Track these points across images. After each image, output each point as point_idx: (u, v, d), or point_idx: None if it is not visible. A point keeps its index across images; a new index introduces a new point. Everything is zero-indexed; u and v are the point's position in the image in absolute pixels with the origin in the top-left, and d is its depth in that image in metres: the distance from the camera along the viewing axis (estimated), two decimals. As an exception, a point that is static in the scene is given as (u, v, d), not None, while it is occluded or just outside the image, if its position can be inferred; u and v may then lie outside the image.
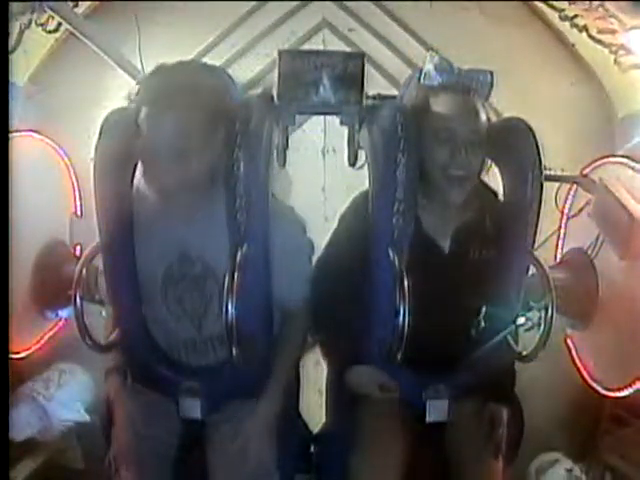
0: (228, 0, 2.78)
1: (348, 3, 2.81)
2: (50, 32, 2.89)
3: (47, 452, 2.62)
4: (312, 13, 2.79)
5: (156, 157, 1.54)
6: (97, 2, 2.78)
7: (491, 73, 1.71)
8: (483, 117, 1.67)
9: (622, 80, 2.77)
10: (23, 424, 2.43)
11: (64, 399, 2.67)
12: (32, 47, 2.84)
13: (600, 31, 2.76)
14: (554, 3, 2.80)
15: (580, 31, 2.81)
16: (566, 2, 2.78)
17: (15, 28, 2.76)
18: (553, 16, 2.83)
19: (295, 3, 2.79)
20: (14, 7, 2.60)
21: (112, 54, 2.45)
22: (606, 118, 2.78)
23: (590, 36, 2.79)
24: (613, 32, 2.72)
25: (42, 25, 2.86)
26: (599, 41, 2.78)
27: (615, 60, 2.75)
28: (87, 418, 2.71)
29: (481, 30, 2.39)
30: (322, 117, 2.75)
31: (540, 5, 2.82)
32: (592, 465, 2.69)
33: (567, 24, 2.83)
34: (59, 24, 2.86)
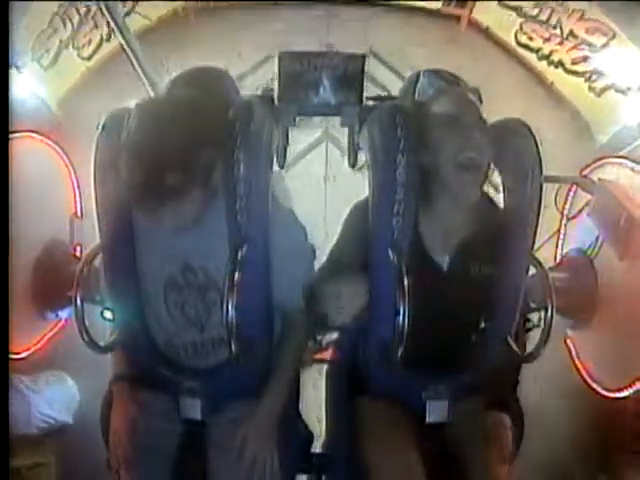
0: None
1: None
2: (83, 59, 2.99)
3: (21, 462, 2.59)
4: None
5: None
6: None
7: (477, 89, 1.73)
8: (483, 115, 1.67)
9: (598, 104, 2.91)
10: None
11: (48, 397, 2.68)
12: (65, 69, 2.93)
13: (574, 61, 2.94)
14: (531, 44, 2.97)
15: (556, 67, 2.99)
16: (541, 41, 2.96)
17: (54, 45, 2.85)
18: (531, 57, 3.00)
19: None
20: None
21: (147, 72, 2.45)
22: (588, 145, 2.86)
23: (565, 69, 2.97)
24: (585, 59, 2.90)
25: (78, 49, 2.96)
26: (574, 72, 2.95)
27: (590, 87, 2.91)
28: (69, 420, 2.71)
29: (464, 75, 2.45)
30: (324, 147, 2.92)
31: (519, 50, 3.00)
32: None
33: (544, 63, 3.01)
34: (93, 53, 2.96)
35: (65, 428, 2.76)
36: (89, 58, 2.97)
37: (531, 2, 2.91)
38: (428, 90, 1.72)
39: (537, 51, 2.97)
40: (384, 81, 2.82)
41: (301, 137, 2.85)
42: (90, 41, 2.96)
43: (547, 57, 2.96)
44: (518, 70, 2.96)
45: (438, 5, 2.99)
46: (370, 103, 1.96)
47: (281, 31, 2.94)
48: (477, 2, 2.96)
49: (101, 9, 2.47)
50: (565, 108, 2.94)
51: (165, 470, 1.70)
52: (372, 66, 2.60)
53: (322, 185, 2.95)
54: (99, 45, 2.97)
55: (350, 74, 1.81)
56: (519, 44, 2.98)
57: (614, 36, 2.79)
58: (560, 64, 2.95)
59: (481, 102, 1.72)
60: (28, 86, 2.82)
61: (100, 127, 1.63)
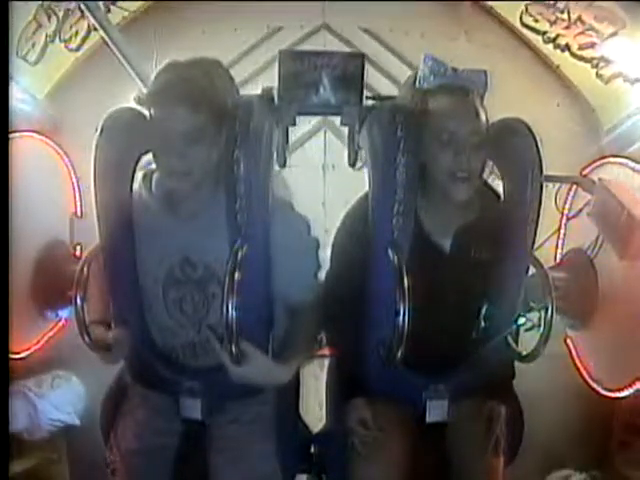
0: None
1: (344, 33, 2.95)
2: (71, 51, 2.95)
3: (32, 459, 2.63)
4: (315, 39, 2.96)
5: (166, 143, 1.53)
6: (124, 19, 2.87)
7: (485, 73, 1.72)
8: (482, 117, 1.67)
9: (605, 92, 2.86)
10: (10, 418, 2.42)
11: (55, 400, 2.68)
12: (53, 63, 2.90)
13: (581, 47, 2.87)
14: (536, 26, 2.92)
15: (562, 51, 2.92)
16: (547, 24, 2.89)
17: (40, 39, 2.82)
18: (537, 40, 2.95)
19: (305, 31, 2.96)
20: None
21: (136, 66, 2.44)
22: (593, 132, 2.85)
23: (572, 54, 2.90)
24: (593, 45, 2.83)
25: (65, 42, 2.91)
26: (581, 57, 2.89)
27: (597, 73, 2.85)
28: (77, 422, 2.72)
29: (468, 57, 2.44)
30: (322, 134, 2.89)
31: (524, 31, 2.95)
32: (606, 476, 2.68)
33: (550, 46, 2.95)
34: (81, 43, 2.92)
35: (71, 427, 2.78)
36: (77, 49, 2.94)
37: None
38: (429, 77, 1.71)
39: (543, 34, 2.93)
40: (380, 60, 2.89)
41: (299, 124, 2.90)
42: (77, 32, 2.92)
43: (553, 40, 2.92)
44: (521, 50, 2.95)
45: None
46: (370, 103, 1.96)
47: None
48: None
49: (81, 9, 2.47)
50: (571, 92, 2.93)
51: (165, 470, 1.70)
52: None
53: (321, 174, 2.95)
54: (87, 34, 2.92)
55: (350, 73, 1.81)
56: (524, 25, 2.94)
57: (624, 26, 2.71)
58: (567, 48, 2.90)
59: (486, 85, 1.71)
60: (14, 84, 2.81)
61: (99, 129, 1.63)
